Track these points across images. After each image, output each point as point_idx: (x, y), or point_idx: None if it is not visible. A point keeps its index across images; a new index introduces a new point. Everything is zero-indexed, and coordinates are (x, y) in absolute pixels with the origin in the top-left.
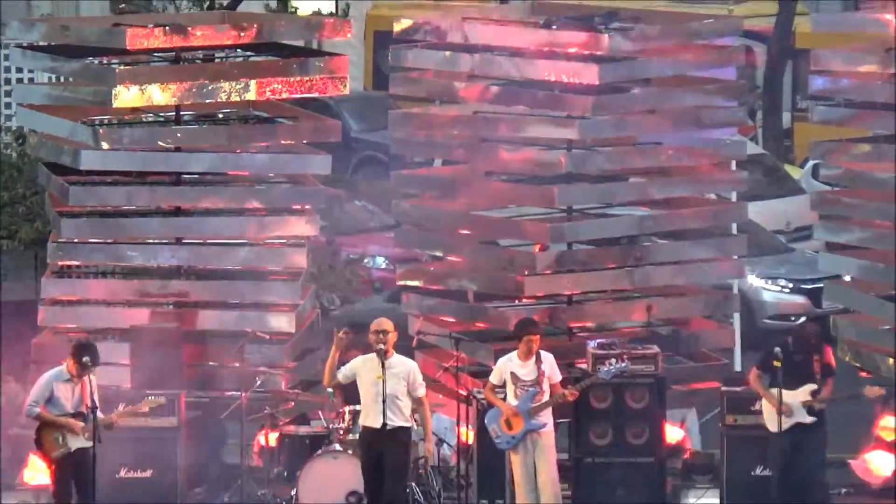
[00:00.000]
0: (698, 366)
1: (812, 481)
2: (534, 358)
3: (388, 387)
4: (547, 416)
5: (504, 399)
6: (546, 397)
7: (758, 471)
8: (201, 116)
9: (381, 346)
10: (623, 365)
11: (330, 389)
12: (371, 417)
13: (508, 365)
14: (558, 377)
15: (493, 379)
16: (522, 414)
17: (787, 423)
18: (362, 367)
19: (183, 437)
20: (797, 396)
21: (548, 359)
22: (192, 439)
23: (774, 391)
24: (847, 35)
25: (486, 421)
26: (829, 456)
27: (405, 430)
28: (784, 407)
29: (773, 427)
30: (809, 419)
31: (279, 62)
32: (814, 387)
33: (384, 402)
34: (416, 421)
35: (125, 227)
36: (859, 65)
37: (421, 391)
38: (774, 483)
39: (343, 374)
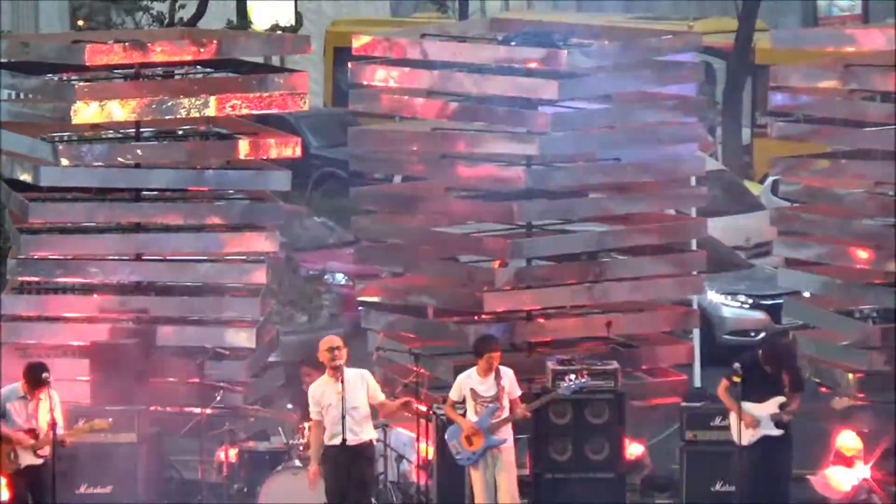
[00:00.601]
0: (658, 381)
1: (777, 496)
2: (493, 374)
3: (347, 401)
4: (507, 432)
5: (464, 415)
6: (506, 413)
7: (717, 486)
8: (161, 133)
9: (339, 361)
10: (582, 381)
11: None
12: (334, 435)
13: (468, 381)
14: (517, 393)
15: (453, 395)
16: (482, 430)
17: (754, 437)
18: (321, 391)
19: (142, 452)
20: (765, 409)
21: (507, 374)
22: (151, 455)
23: (743, 405)
24: (806, 51)
25: (446, 437)
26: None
27: (369, 445)
28: (752, 420)
29: (738, 440)
30: (777, 432)
31: (239, 78)
32: (782, 399)
33: (343, 418)
34: (378, 439)
35: (85, 243)
36: (818, 81)
37: (380, 396)
38: (738, 497)
39: (314, 411)
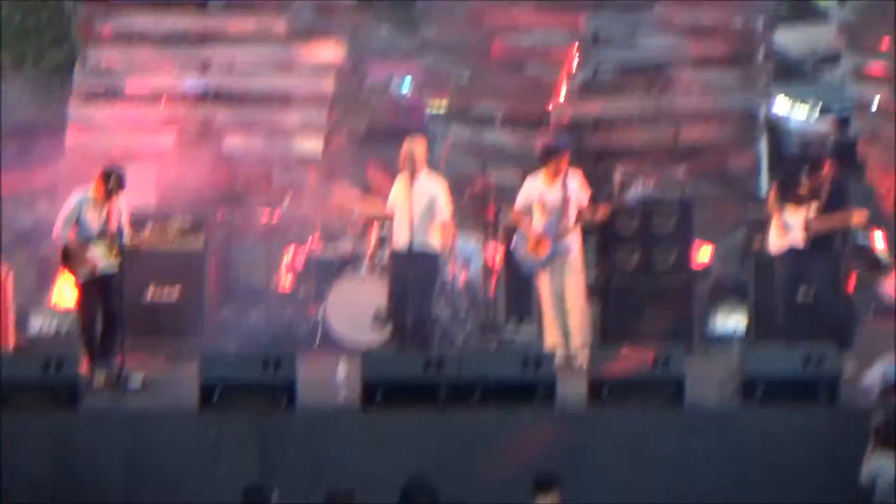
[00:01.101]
0: (724, 190)
1: (825, 304)
2: (560, 181)
3: (416, 204)
4: (574, 239)
5: (531, 222)
6: (573, 221)
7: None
8: None
9: (411, 167)
10: (650, 189)
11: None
12: (400, 238)
13: (535, 187)
14: (585, 199)
15: (520, 201)
16: (549, 236)
17: (784, 245)
18: (395, 189)
19: (210, 257)
20: (799, 216)
21: (574, 181)
22: (219, 261)
23: (786, 210)
24: None
25: (513, 244)
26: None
27: (432, 252)
28: (784, 226)
29: (773, 248)
30: (804, 241)
31: None
32: (816, 208)
33: (411, 223)
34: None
35: (152, 51)
36: None
37: (443, 215)
38: (781, 304)
39: (388, 206)
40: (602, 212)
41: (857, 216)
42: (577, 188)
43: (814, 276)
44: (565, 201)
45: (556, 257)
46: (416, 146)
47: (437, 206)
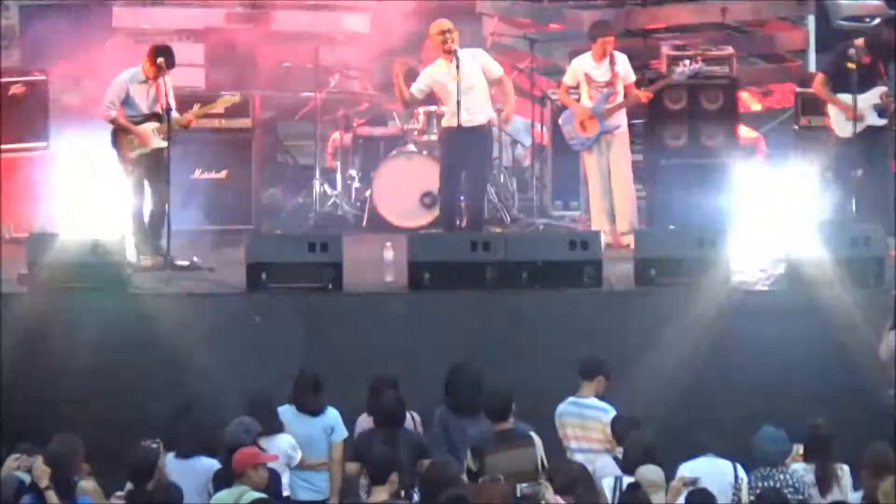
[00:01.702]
0: (772, 67)
1: (874, 185)
2: (608, 59)
3: (463, 81)
4: (621, 118)
5: (578, 100)
6: (620, 98)
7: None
8: None
9: (452, 45)
10: (697, 66)
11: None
12: (451, 117)
13: (582, 66)
14: (632, 78)
15: (568, 80)
16: (597, 115)
17: (859, 127)
18: (435, 73)
19: (257, 138)
20: (867, 100)
21: (622, 60)
22: (266, 141)
23: (842, 96)
24: None
25: (560, 122)
26: None
27: (484, 129)
28: (860, 111)
29: (843, 133)
30: (881, 121)
31: None
32: (884, 89)
33: (459, 101)
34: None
35: None
36: None
37: (497, 71)
38: (837, 185)
39: (418, 88)
40: (649, 91)
41: None
42: (624, 67)
43: (867, 156)
44: (612, 79)
45: (603, 136)
46: (447, 25)
47: (486, 68)
